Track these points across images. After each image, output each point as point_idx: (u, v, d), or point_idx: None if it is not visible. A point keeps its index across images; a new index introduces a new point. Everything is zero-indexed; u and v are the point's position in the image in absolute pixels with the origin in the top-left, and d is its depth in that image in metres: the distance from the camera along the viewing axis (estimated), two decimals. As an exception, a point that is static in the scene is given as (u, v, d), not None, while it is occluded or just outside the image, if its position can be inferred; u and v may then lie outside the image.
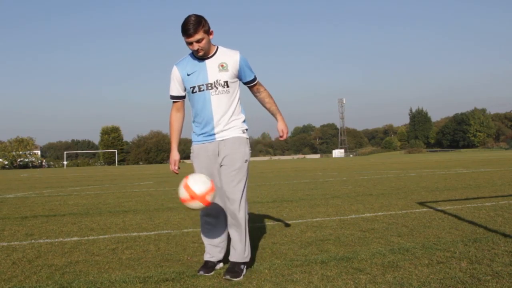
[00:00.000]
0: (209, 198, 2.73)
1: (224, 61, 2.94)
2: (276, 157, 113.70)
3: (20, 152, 74.92)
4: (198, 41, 2.81)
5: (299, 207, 6.18)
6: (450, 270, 2.84)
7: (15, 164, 73.81)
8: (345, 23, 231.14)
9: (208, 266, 3.01)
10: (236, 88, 3.02)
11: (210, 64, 2.94)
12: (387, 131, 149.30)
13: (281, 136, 3.14)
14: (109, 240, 4.28)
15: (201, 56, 2.90)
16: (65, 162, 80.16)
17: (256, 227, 4.71)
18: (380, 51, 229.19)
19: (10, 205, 7.87)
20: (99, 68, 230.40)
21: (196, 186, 2.71)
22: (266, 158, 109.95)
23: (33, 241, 4.35)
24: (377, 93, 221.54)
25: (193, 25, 2.78)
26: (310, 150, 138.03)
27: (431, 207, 5.60)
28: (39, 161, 79.45)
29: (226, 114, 2.95)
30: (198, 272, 2.95)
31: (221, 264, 3.12)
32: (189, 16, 2.82)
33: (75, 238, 4.42)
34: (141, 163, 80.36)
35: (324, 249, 3.55)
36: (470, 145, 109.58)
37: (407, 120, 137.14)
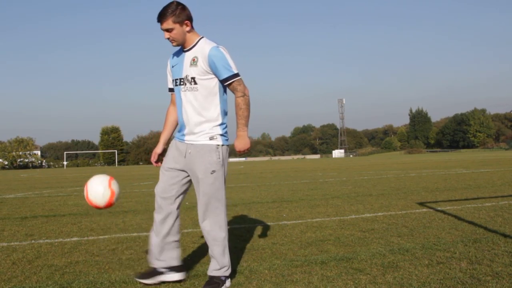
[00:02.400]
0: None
1: (197, 55, 2.67)
2: (276, 158, 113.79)
3: (20, 153, 74.96)
4: (168, 30, 2.61)
5: (299, 207, 6.17)
6: (450, 270, 2.84)
7: (15, 165, 73.83)
8: (345, 24, 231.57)
9: (152, 274, 2.74)
10: (211, 86, 2.68)
11: (187, 57, 2.71)
12: (387, 131, 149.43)
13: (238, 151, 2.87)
14: (109, 240, 4.28)
15: (174, 46, 2.72)
16: (65, 162, 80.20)
17: (256, 227, 4.71)
18: (380, 51, 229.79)
19: (10, 205, 7.87)
20: (99, 68, 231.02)
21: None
22: (266, 158, 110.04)
23: (33, 241, 4.35)
24: (377, 93, 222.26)
25: (163, 13, 2.59)
26: (310, 150, 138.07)
27: (431, 208, 5.60)
28: (39, 162, 79.47)
29: (194, 115, 2.68)
30: (137, 278, 2.75)
31: (172, 275, 2.77)
32: (170, 3, 2.63)
33: (75, 239, 4.42)
34: (141, 163, 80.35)
35: (324, 249, 3.55)
36: (470, 146, 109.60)
37: (407, 121, 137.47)
